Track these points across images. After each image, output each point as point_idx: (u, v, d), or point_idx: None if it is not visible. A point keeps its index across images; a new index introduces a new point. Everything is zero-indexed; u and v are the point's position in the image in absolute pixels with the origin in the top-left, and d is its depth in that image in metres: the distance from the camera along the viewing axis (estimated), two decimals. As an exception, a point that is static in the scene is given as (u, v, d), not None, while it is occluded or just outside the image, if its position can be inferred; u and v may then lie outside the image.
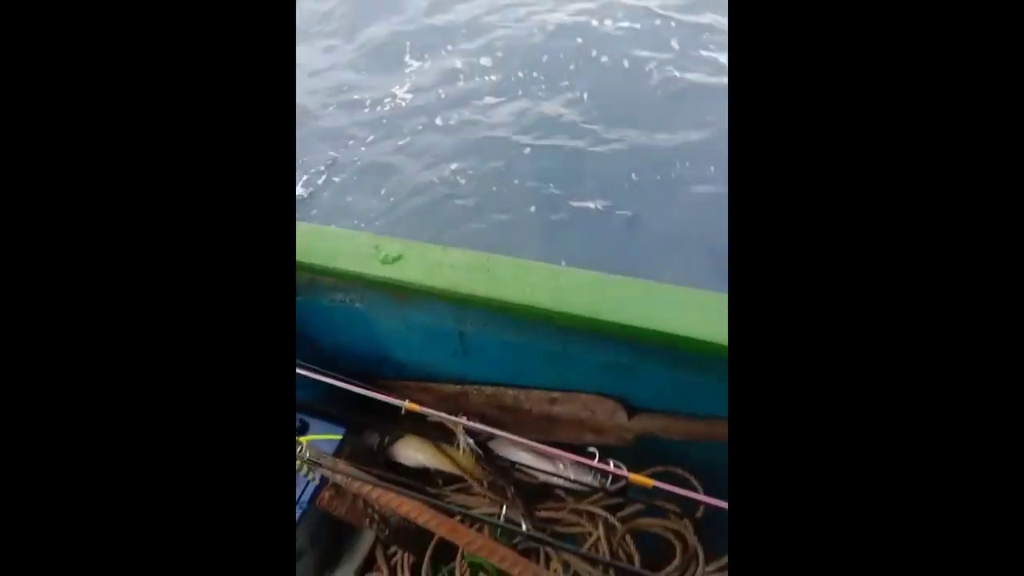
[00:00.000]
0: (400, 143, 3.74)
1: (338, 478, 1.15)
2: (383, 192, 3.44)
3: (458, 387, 1.35)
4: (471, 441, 1.23)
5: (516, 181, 3.31)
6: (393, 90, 4.13)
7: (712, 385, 1.04)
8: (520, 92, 3.87)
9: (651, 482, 0.82)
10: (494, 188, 3.31)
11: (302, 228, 1.27)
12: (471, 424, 1.02)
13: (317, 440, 1.25)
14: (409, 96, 4.07)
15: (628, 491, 1.23)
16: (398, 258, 1.15)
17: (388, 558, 1.34)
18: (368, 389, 1.02)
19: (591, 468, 0.93)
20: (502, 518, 1.14)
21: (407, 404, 0.99)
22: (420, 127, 3.79)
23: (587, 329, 1.07)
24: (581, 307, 1.04)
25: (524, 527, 1.06)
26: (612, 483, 1.10)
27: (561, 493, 1.33)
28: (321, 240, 1.23)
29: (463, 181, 3.38)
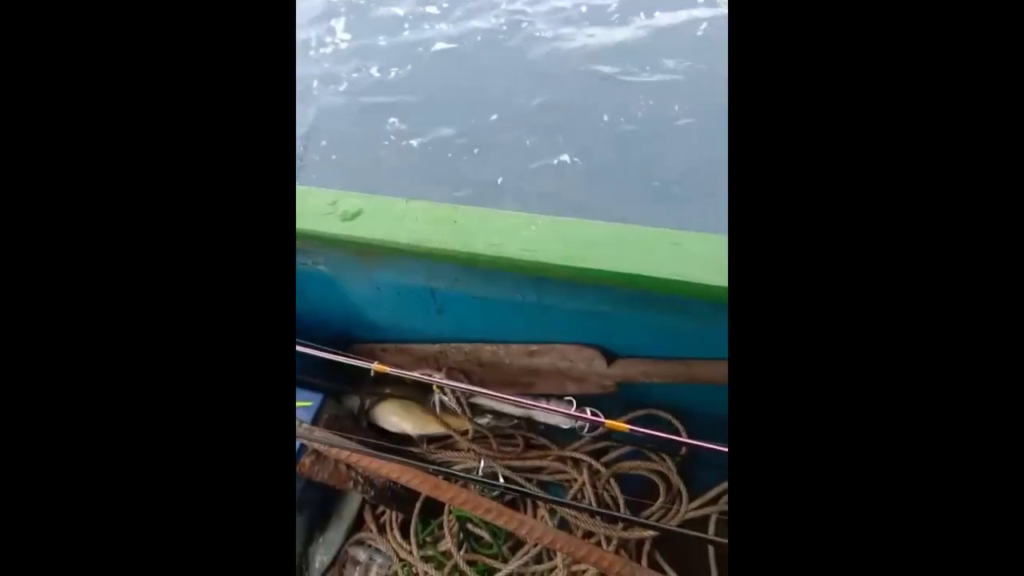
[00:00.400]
0: (340, 88, 3.56)
1: (315, 445, 1.13)
2: (324, 144, 3.30)
3: (436, 347, 1.33)
4: (447, 398, 1.21)
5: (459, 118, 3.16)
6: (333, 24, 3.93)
7: (690, 326, 1.02)
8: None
9: (626, 427, 0.81)
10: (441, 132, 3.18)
11: None
12: (446, 382, 1.00)
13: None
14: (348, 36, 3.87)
15: (612, 436, 1.23)
16: (358, 214, 1.09)
17: (376, 517, 1.35)
18: (334, 353, 0.98)
19: (568, 417, 0.92)
20: (480, 471, 1.13)
21: (375, 366, 0.96)
22: (355, 72, 3.62)
23: (561, 277, 1.03)
24: (553, 255, 1.00)
25: (500, 479, 1.06)
26: (590, 431, 1.09)
27: (545, 441, 1.34)
28: None
29: (404, 127, 3.26)
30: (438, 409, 1.26)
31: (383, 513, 1.34)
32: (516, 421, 1.29)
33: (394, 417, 1.38)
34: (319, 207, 1.11)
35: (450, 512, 1.27)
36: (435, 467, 1.05)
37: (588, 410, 0.88)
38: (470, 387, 0.96)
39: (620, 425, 0.82)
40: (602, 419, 0.86)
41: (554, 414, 1.13)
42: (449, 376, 1.27)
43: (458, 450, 1.34)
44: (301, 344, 1.04)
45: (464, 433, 1.31)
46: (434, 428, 1.36)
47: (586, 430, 1.04)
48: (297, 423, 1.15)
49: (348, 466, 1.22)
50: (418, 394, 1.38)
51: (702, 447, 0.81)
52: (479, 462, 1.15)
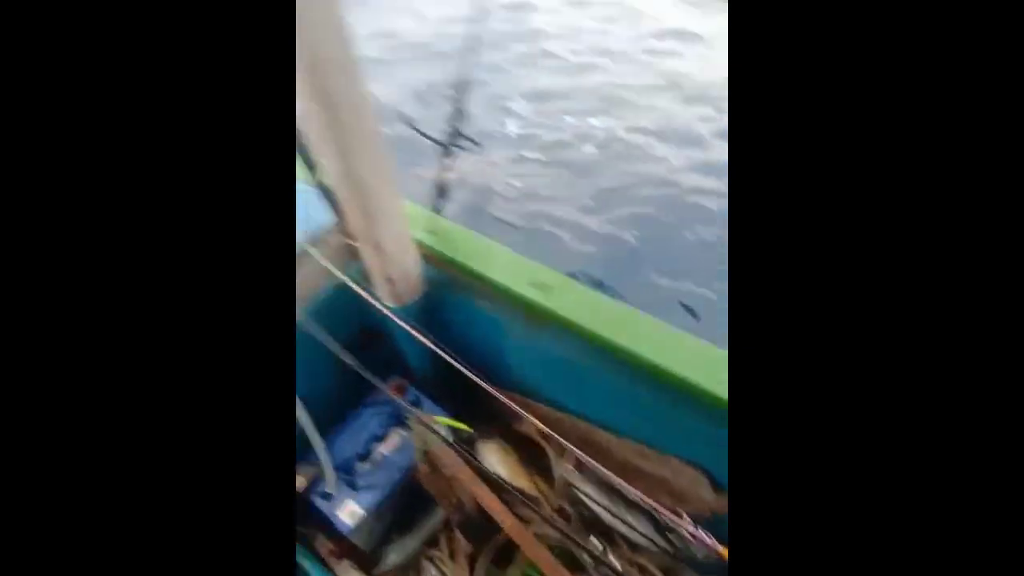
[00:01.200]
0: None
1: (444, 459, 1.29)
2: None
3: (557, 414, 1.47)
4: (571, 467, 1.33)
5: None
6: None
7: None
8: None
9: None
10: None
11: (477, 238, 1.47)
12: (576, 451, 1.13)
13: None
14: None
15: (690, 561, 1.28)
16: (547, 287, 1.30)
17: (450, 541, 1.46)
18: (496, 390, 1.15)
19: (679, 529, 1.01)
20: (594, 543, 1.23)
21: (529, 417, 1.11)
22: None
23: (693, 396, 1.16)
24: (691, 372, 1.13)
25: (604, 551, 1.14)
26: (700, 553, 1.16)
27: (618, 539, 1.41)
28: (488, 253, 1.42)
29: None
30: (554, 471, 1.38)
31: (457, 540, 1.46)
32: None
33: (494, 457, 1.52)
34: (521, 273, 1.35)
35: (518, 565, 1.37)
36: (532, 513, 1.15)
37: (703, 531, 0.97)
38: (597, 464, 1.08)
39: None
40: (717, 545, 0.94)
41: (649, 519, 1.20)
42: (556, 448, 1.39)
43: (535, 513, 1.45)
44: (460, 363, 1.23)
45: (550, 504, 1.42)
46: (523, 483, 1.48)
47: (698, 548, 1.11)
48: (432, 433, 1.32)
49: (451, 485, 1.37)
50: (522, 449, 1.51)
51: None
52: (599, 544, 1.25)
